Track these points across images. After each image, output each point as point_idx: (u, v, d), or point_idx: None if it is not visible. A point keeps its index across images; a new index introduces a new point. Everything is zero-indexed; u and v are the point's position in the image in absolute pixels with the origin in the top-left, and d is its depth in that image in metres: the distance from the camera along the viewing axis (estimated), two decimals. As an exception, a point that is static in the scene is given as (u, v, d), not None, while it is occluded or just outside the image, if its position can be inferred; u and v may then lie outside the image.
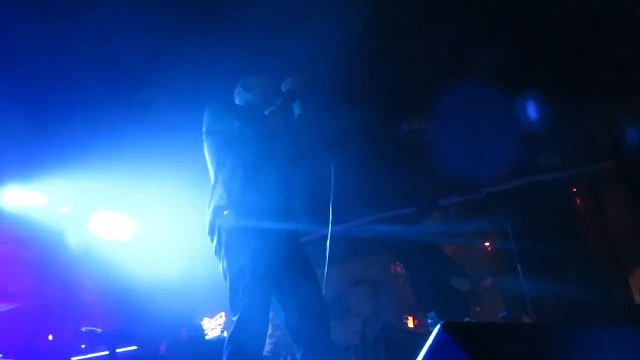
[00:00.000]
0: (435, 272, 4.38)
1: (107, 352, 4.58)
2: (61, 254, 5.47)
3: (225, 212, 2.43)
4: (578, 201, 6.28)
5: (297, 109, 2.62)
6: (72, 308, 5.23)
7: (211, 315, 6.71)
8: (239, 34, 3.70)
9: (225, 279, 2.42)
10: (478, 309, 5.77)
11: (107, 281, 5.59)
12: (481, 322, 4.76)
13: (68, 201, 5.60)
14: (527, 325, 2.92)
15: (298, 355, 2.38)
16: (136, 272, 5.56)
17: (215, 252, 2.49)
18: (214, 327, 6.63)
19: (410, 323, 6.33)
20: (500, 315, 5.41)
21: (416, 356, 1.25)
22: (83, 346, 4.71)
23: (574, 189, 6.31)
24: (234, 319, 2.32)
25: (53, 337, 4.49)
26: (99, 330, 4.66)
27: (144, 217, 6.14)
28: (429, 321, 4.92)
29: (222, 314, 6.75)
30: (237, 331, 2.27)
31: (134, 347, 4.89)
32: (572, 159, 5.91)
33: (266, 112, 2.66)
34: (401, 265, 6.94)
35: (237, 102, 2.79)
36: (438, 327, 1.25)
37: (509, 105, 4.81)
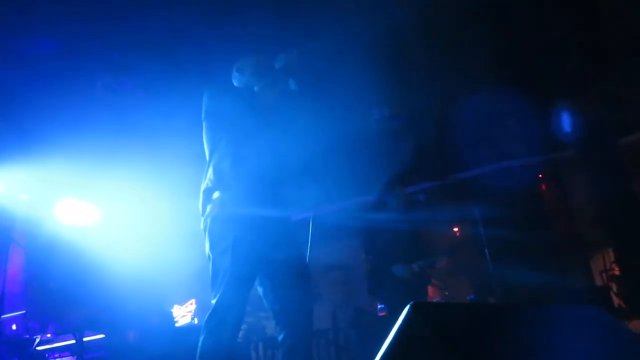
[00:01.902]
0: (380, 258, 4.43)
1: (73, 341, 4.50)
2: (24, 242, 5.32)
3: (214, 196, 2.42)
4: (543, 187, 6.45)
5: (292, 85, 2.61)
6: (37, 297, 5.11)
7: (181, 303, 6.67)
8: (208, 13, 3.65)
9: (209, 261, 2.41)
10: (447, 293, 5.91)
11: (73, 269, 5.47)
12: (448, 302, 4.87)
13: (28, 189, 5.44)
14: (491, 305, 3.01)
15: (280, 338, 2.40)
16: (103, 259, 5.45)
17: (204, 233, 2.48)
18: (184, 314, 6.58)
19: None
20: (468, 298, 5.55)
21: (387, 338, 1.27)
22: (48, 335, 4.61)
23: (539, 175, 6.48)
24: (212, 301, 2.33)
25: (17, 326, 4.38)
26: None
27: (110, 204, 6.01)
28: (379, 307, 5.01)
29: (193, 301, 6.71)
30: (214, 314, 2.27)
31: (102, 336, 4.81)
32: (538, 147, 6.05)
33: (256, 88, 2.62)
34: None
35: (235, 84, 2.76)
36: (407, 307, 1.27)
37: (477, 94, 4.87)
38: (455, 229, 7.19)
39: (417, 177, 6.31)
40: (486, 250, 4.63)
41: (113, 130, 4.72)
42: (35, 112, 4.52)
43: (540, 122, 5.52)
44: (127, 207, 6.00)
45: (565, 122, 5.59)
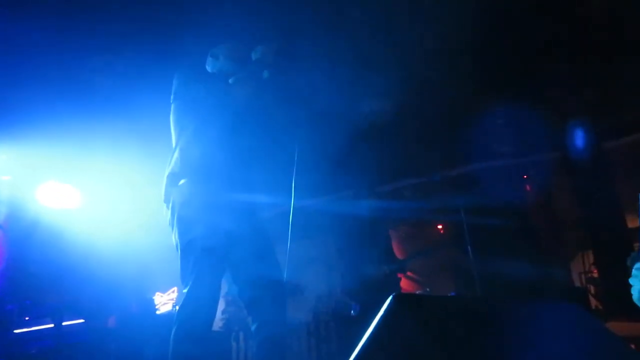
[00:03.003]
0: (353, 257, 4.44)
1: (52, 325, 4.45)
2: (4, 223, 5.24)
3: (180, 182, 2.37)
4: (527, 188, 6.52)
5: (262, 79, 2.58)
6: (16, 279, 5.03)
7: (163, 290, 6.63)
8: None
9: (177, 250, 2.37)
10: (428, 289, 5.96)
11: (54, 252, 5.40)
12: (430, 294, 4.91)
13: (10, 170, 5.35)
14: (473, 298, 3.04)
15: (252, 328, 2.37)
16: (85, 243, 5.38)
17: (169, 222, 2.43)
18: (165, 301, 6.55)
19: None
20: (450, 294, 5.59)
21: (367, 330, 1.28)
22: (27, 319, 4.55)
23: (525, 176, 6.55)
24: (184, 291, 2.29)
25: (-6, 309, 4.32)
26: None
27: (93, 188, 5.94)
28: (352, 313, 5.02)
29: (175, 289, 6.68)
30: (186, 304, 2.24)
31: (81, 320, 4.77)
32: (524, 148, 6.11)
33: (230, 81, 2.59)
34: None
35: (209, 70, 2.72)
36: (389, 299, 1.28)
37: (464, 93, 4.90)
38: (440, 226, 7.24)
39: (403, 173, 6.34)
40: (469, 248, 4.67)
41: (96, 113, 4.66)
42: (18, 94, 4.45)
43: (525, 123, 5.57)
44: (110, 192, 5.93)
45: (551, 124, 5.65)
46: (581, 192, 5.86)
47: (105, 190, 5.90)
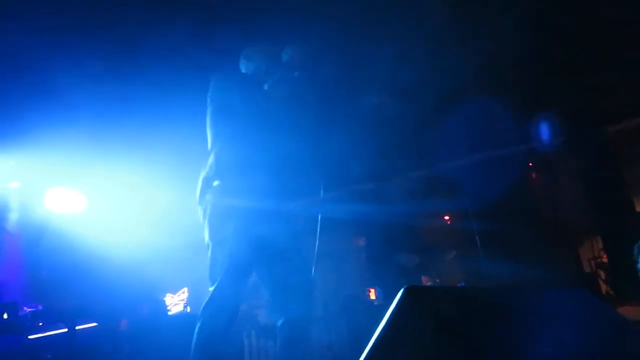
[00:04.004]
0: (381, 247, 4.48)
1: (66, 330, 4.50)
2: (15, 230, 5.28)
3: (214, 184, 2.41)
4: (533, 175, 6.51)
5: (295, 81, 2.59)
6: (29, 285, 5.08)
7: (174, 291, 6.67)
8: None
9: (208, 249, 2.42)
10: (438, 280, 5.97)
11: (65, 257, 5.45)
12: (441, 286, 4.92)
13: (19, 177, 5.40)
14: (484, 288, 3.05)
15: (278, 323, 2.43)
16: (96, 247, 5.43)
17: (202, 221, 2.48)
18: (176, 302, 6.59)
19: (372, 295, 6.47)
20: (459, 285, 5.60)
21: (379, 324, 1.29)
22: (40, 324, 4.60)
23: (530, 164, 6.53)
24: (210, 289, 2.34)
25: (9, 315, 4.35)
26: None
27: (102, 193, 5.98)
28: (377, 294, 5.05)
29: (185, 289, 6.72)
30: (211, 302, 2.30)
31: (94, 324, 4.81)
32: (528, 135, 6.09)
33: (265, 87, 2.60)
34: (362, 239, 7.05)
35: (243, 71, 2.74)
36: (401, 291, 1.29)
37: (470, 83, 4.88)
38: (446, 217, 7.24)
39: (409, 165, 6.33)
40: (477, 238, 4.68)
41: (103, 119, 4.70)
42: (25, 103, 4.50)
43: (529, 110, 5.56)
44: (119, 196, 5.98)
45: (555, 110, 5.63)
46: (588, 177, 5.84)
47: (114, 195, 5.94)
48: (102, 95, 4.51)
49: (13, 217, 5.32)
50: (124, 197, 5.99)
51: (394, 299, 1.29)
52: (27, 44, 3.91)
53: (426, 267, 5.00)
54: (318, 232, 2.64)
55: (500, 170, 5.97)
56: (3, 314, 4.36)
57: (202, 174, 2.49)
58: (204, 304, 2.33)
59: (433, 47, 4.27)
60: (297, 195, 2.59)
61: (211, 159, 2.47)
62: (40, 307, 4.70)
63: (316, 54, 2.66)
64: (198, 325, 2.28)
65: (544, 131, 5.75)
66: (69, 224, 5.63)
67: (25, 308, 4.60)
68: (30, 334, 4.53)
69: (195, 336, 2.27)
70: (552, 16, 4.13)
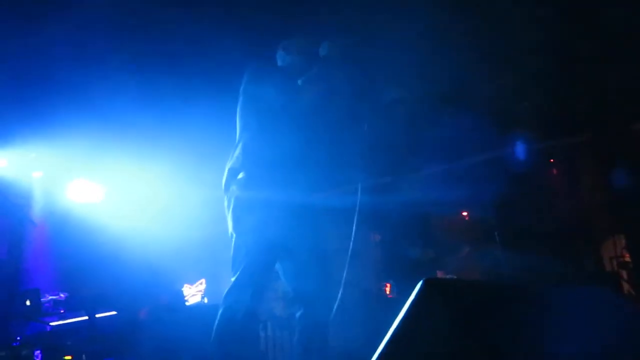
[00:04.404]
0: (396, 241, 4.46)
1: (86, 317, 4.58)
2: (38, 219, 5.40)
3: (239, 176, 2.43)
4: (554, 172, 6.40)
5: (331, 77, 2.57)
6: (50, 273, 5.19)
7: (192, 282, 6.75)
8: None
9: (231, 238, 2.44)
10: (455, 277, 5.92)
11: (86, 246, 5.54)
12: (461, 279, 4.89)
13: (42, 166, 5.52)
14: (504, 283, 3.02)
15: (298, 314, 2.46)
16: (116, 238, 5.52)
17: (226, 211, 2.51)
18: (194, 293, 6.67)
19: (389, 289, 6.45)
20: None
21: (395, 318, 1.28)
22: (62, 311, 4.69)
23: (551, 160, 6.42)
24: (232, 279, 2.36)
25: (31, 302, 4.46)
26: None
27: (122, 183, 6.06)
28: (389, 295, 5.03)
29: (202, 280, 6.79)
30: (231, 291, 2.33)
31: (113, 312, 4.89)
32: (550, 131, 5.98)
33: (300, 82, 2.59)
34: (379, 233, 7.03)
35: (279, 63, 2.74)
36: (420, 283, 1.28)
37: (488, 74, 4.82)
38: (464, 213, 7.17)
39: (426, 159, 6.28)
40: (496, 234, 4.62)
41: (122, 113, 4.76)
42: (49, 98, 4.60)
43: (550, 106, 5.46)
44: (138, 187, 6.05)
45: (579, 106, 5.52)
46: (609, 174, 5.72)
47: (132, 187, 6.02)
48: (122, 91, 4.57)
49: (37, 207, 5.44)
50: (142, 190, 6.07)
51: (408, 293, 1.28)
52: (52, 41, 3.98)
53: (442, 262, 4.97)
54: (354, 229, 2.64)
55: (519, 166, 5.89)
56: (26, 300, 4.47)
57: (228, 165, 2.51)
58: (225, 292, 2.36)
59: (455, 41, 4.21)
60: (321, 189, 2.60)
61: (238, 150, 2.49)
62: (62, 295, 4.80)
63: (354, 49, 2.63)
64: (220, 311, 2.32)
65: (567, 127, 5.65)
66: (89, 214, 5.73)
67: (47, 295, 4.70)
68: (52, 321, 4.63)
69: (216, 322, 2.31)
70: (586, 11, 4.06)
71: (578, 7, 4.01)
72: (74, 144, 5.02)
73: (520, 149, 5.91)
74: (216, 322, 2.31)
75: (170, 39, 4.06)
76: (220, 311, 2.33)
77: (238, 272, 2.33)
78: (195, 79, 4.32)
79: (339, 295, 2.62)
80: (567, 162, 6.42)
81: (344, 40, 2.62)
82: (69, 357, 4.43)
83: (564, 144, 6.25)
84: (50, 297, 4.68)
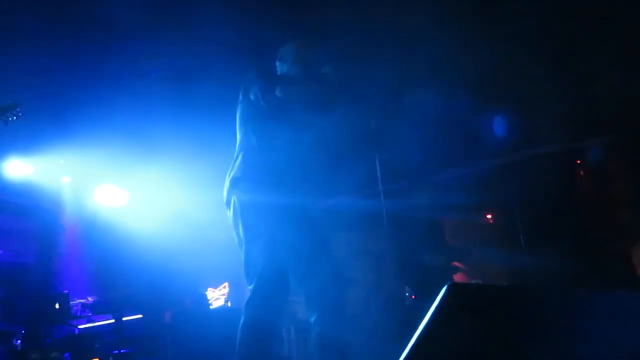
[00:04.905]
0: (410, 247, 4.41)
1: (113, 320, 4.66)
2: (67, 224, 5.52)
3: (241, 185, 2.45)
4: (581, 173, 6.26)
5: (326, 81, 2.58)
6: (79, 277, 5.30)
7: (215, 286, 6.79)
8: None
9: (241, 247, 2.44)
10: (479, 282, 5.83)
11: (113, 251, 5.65)
12: (487, 284, 4.82)
13: (70, 172, 5.64)
14: (532, 287, 2.95)
15: (312, 320, 2.44)
16: (141, 242, 5.60)
17: (232, 222, 2.51)
18: (217, 297, 6.71)
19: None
20: (503, 284, 5.45)
21: (420, 323, 1.26)
22: (89, 314, 4.78)
23: (578, 162, 6.28)
24: (249, 287, 2.37)
25: (60, 305, 4.55)
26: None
27: (146, 189, 6.16)
28: (406, 302, 4.97)
29: (226, 284, 6.83)
30: (254, 299, 2.33)
31: (139, 316, 4.96)
32: (577, 131, 5.86)
33: (297, 87, 2.60)
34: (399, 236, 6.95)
35: (278, 72, 2.75)
36: (444, 288, 1.26)
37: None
38: (489, 216, 7.06)
39: (449, 162, 6.21)
40: (521, 237, 4.53)
41: (151, 118, 4.85)
42: (77, 108, 4.73)
43: (579, 105, 5.35)
44: (162, 192, 6.14)
45: (607, 106, 5.39)
46: (638, 175, 5.58)
47: (160, 192, 6.10)
48: (145, 101, 4.66)
49: (66, 211, 5.56)
50: (165, 194, 6.15)
51: (425, 297, 1.26)
52: (80, 53, 4.08)
53: (460, 267, 4.89)
54: (357, 229, 2.63)
55: (546, 167, 5.78)
56: (55, 304, 4.57)
57: (230, 174, 2.51)
58: (246, 301, 2.35)
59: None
60: (326, 196, 2.59)
61: (239, 160, 2.49)
62: (89, 299, 4.89)
63: (349, 54, 2.63)
64: (242, 321, 2.30)
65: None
66: (116, 219, 5.83)
67: (75, 299, 4.80)
68: (80, 324, 4.72)
69: (239, 333, 2.29)
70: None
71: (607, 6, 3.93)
72: (100, 151, 5.13)
73: (545, 150, 5.80)
74: (239, 333, 2.29)
75: (195, 51, 4.11)
76: (242, 321, 2.30)
77: (255, 281, 2.32)
78: (218, 89, 4.36)
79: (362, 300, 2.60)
80: (596, 162, 6.27)
81: (340, 44, 2.62)
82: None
83: (592, 145, 6.11)
84: (79, 301, 4.78)
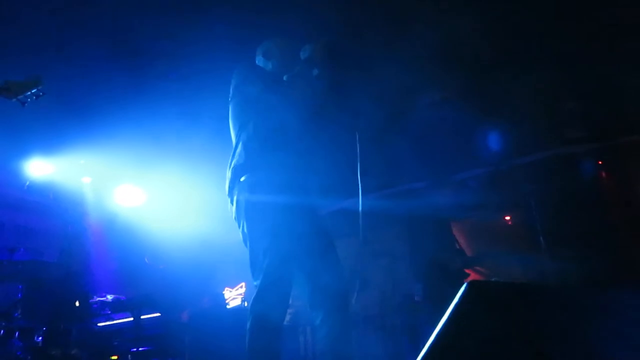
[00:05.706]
0: (425, 248, 4.37)
1: (131, 319, 4.71)
2: (87, 223, 5.60)
3: (242, 179, 2.42)
4: (603, 174, 6.15)
5: (314, 77, 2.57)
6: (98, 275, 5.36)
7: (232, 285, 6.83)
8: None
9: (246, 244, 2.43)
10: (499, 280, 5.75)
11: (131, 250, 5.71)
12: (507, 281, 4.76)
13: (90, 173, 5.73)
14: (551, 285, 2.90)
15: (317, 322, 2.40)
16: (159, 242, 5.66)
17: (235, 217, 2.50)
18: (234, 296, 6.74)
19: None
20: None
21: (439, 321, 1.25)
22: (108, 312, 4.84)
23: (600, 162, 6.17)
24: (255, 284, 2.33)
25: (80, 303, 4.61)
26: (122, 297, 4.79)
27: (165, 190, 6.22)
28: (415, 298, 4.92)
29: (243, 284, 6.86)
30: (260, 297, 2.29)
31: (157, 314, 5.01)
32: (599, 132, 5.76)
33: (285, 77, 2.61)
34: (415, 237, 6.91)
35: (259, 65, 2.76)
36: (464, 286, 1.25)
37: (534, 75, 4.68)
38: (507, 217, 6.97)
39: (468, 162, 6.16)
40: (541, 239, 4.47)
41: (170, 118, 4.90)
42: (98, 109, 4.80)
43: (603, 106, 5.26)
44: (179, 192, 6.19)
45: (629, 106, 5.29)
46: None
47: (178, 193, 6.15)
48: (163, 103, 4.71)
49: (89, 212, 5.64)
50: (182, 194, 6.20)
51: (436, 297, 1.25)
52: (102, 56, 4.15)
53: (479, 266, 4.84)
54: (361, 229, 2.59)
55: (567, 168, 5.69)
56: (75, 302, 4.63)
57: (232, 164, 2.48)
58: (252, 299, 2.31)
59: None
60: (324, 190, 2.56)
61: (239, 149, 2.46)
62: (108, 297, 4.95)
63: (336, 51, 2.60)
64: (249, 323, 2.27)
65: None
66: (135, 219, 5.90)
67: (95, 297, 4.86)
68: (99, 322, 4.78)
69: (248, 335, 2.26)
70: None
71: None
72: (120, 151, 5.20)
73: (565, 151, 5.71)
74: (247, 333, 2.26)
75: (210, 51, 4.15)
76: (249, 323, 2.27)
77: (260, 279, 2.29)
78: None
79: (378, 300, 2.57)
80: (618, 164, 6.15)
81: (327, 41, 2.59)
82: (115, 357, 4.56)
83: (613, 146, 5.99)
84: (98, 299, 4.84)
